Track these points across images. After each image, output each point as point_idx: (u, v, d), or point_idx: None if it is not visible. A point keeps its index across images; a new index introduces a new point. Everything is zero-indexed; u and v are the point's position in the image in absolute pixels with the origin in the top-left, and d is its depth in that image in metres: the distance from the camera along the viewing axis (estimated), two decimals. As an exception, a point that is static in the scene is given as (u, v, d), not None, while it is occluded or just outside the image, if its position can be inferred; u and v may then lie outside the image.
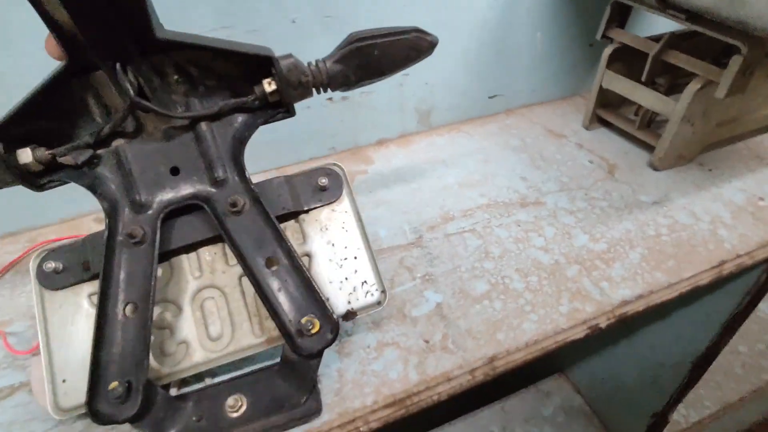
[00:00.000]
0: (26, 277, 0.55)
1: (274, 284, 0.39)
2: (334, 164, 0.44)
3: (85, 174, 0.37)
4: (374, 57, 0.39)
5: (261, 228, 0.39)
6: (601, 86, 0.71)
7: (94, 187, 0.37)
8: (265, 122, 0.40)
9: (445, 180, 0.67)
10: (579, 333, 0.47)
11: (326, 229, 0.44)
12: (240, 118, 0.39)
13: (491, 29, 0.71)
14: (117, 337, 0.36)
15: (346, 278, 0.43)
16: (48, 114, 0.36)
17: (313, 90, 0.39)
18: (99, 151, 0.38)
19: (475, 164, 0.70)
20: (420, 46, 0.40)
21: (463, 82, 0.76)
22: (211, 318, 0.42)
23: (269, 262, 0.39)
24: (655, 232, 0.57)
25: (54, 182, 0.37)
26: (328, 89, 0.40)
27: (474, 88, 0.77)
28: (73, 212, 0.64)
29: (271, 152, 0.69)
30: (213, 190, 0.39)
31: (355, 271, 0.43)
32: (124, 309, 0.36)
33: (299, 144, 0.71)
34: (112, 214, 0.38)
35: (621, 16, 0.67)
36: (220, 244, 0.43)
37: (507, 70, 0.77)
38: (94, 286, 0.40)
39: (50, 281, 0.39)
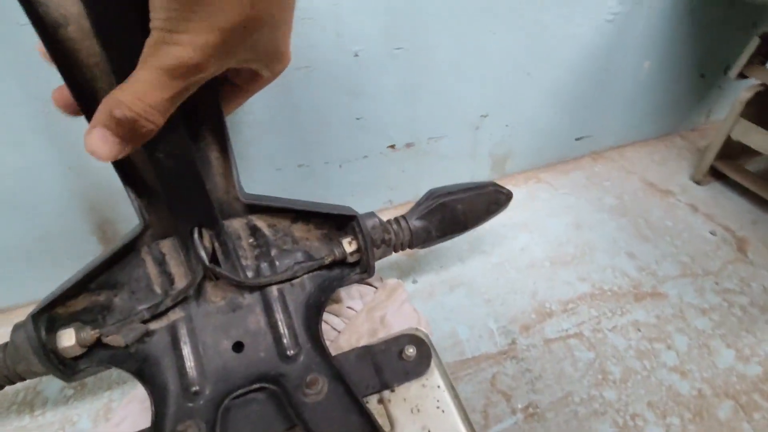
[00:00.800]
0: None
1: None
2: (417, 329, 0.37)
3: (131, 356, 0.33)
4: (458, 212, 0.40)
5: (347, 415, 0.31)
6: (729, 136, 0.57)
7: (141, 372, 0.32)
8: (341, 285, 0.37)
9: (532, 253, 0.54)
10: None
11: (418, 410, 0.34)
12: (314, 282, 0.37)
13: (594, 57, 0.57)
14: None
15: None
16: (108, 285, 0.34)
17: (393, 248, 0.39)
18: (153, 327, 0.34)
19: (565, 230, 0.57)
20: (499, 199, 0.42)
21: (550, 121, 0.62)
22: None
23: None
24: (820, 348, 0.44)
25: (90, 369, 0.33)
26: (407, 248, 0.40)
27: (561, 127, 0.64)
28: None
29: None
30: (284, 367, 0.33)
31: (462, 469, 0.32)
32: None
33: (350, 197, 0.58)
34: (159, 406, 0.31)
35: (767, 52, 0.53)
36: None
37: (603, 105, 0.63)
38: None
39: None
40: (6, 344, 0.32)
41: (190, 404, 0.32)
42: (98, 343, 0.33)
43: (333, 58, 0.46)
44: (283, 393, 0.32)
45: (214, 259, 0.35)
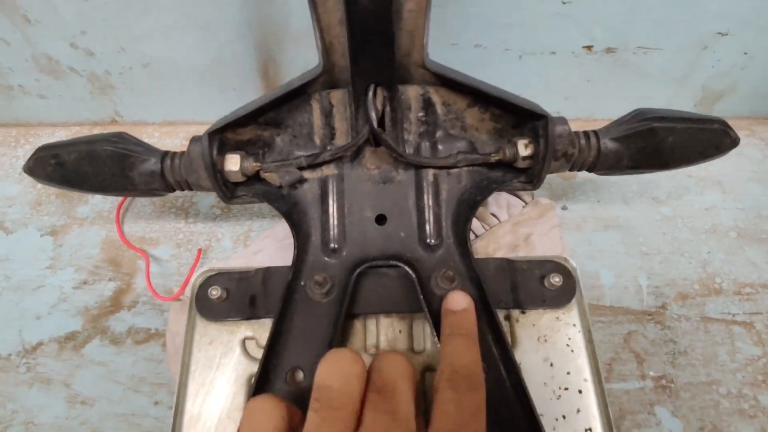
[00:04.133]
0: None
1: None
2: (566, 259, 0.34)
3: (283, 197, 0.34)
4: (666, 144, 0.33)
5: (477, 321, 0.28)
6: None
7: (290, 215, 0.33)
8: (501, 189, 0.34)
9: (717, 216, 0.45)
10: None
11: (545, 340, 0.32)
12: (472, 177, 0.35)
13: None
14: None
15: (564, 417, 0.29)
16: (274, 123, 0.34)
17: (571, 166, 0.34)
18: (306, 175, 0.34)
19: (771, 202, 0.46)
20: (722, 143, 0.34)
21: (805, 60, 0.47)
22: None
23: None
24: None
25: (247, 198, 0.35)
26: (586, 169, 0.35)
27: (816, 74, 0.48)
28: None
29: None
30: (421, 253, 0.32)
31: (578, 411, 0.29)
32: (286, 376, 0.28)
33: (522, 91, 0.51)
34: (301, 252, 0.32)
35: None
36: (407, 320, 0.33)
37: None
38: (252, 329, 0.32)
39: (208, 310, 0.32)
40: (183, 153, 0.34)
41: (327, 259, 0.32)
42: (257, 176, 0.34)
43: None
44: (417, 278, 0.31)
45: (380, 123, 0.32)
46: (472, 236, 0.40)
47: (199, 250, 0.42)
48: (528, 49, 0.46)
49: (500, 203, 0.42)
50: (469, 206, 0.34)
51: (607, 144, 0.33)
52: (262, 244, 0.42)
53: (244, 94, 0.51)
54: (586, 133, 0.34)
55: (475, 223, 0.41)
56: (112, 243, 0.44)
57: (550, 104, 0.52)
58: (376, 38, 0.28)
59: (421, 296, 0.30)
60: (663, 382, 0.36)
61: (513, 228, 0.40)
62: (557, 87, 0.50)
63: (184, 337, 0.33)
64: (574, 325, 0.33)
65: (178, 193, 0.37)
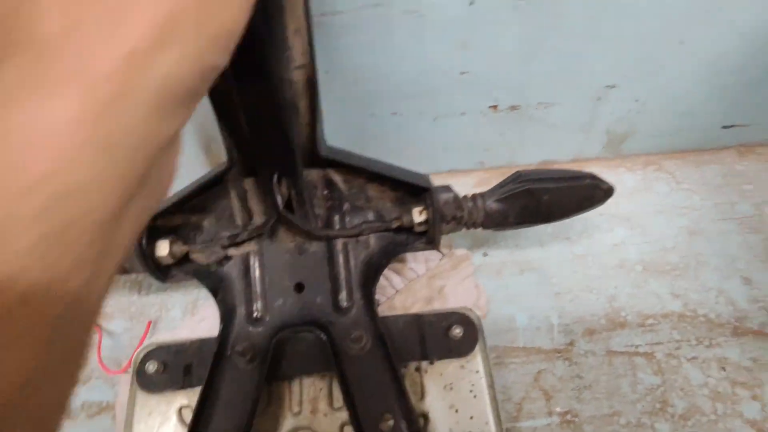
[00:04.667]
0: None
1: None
2: (470, 310, 0.37)
3: (211, 275, 0.37)
4: (543, 202, 0.37)
5: (381, 375, 0.34)
6: None
7: (216, 290, 0.37)
8: (405, 251, 0.39)
9: (625, 252, 0.49)
10: None
11: (451, 388, 0.34)
12: (378, 243, 0.37)
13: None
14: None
15: (468, 459, 0.33)
16: (199, 209, 0.37)
17: (464, 227, 0.38)
18: (231, 252, 0.37)
19: (675, 234, 0.50)
20: (594, 195, 0.38)
21: (695, 101, 0.52)
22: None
23: (383, 418, 0.31)
24: None
25: (180, 276, 0.38)
26: (480, 228, 0.38)
27: (707, 111, 0.53)
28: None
29: (405, 156, 0.56)
30: (335, 317, 0.36)
31: (480, 453, 0.33)
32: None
33: (441, 152, 0.56)
34: (226, 323, 0.36)
35: None
36: (327, 379, 0.37)
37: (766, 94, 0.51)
38: (188, 397, 0.36)
39: (147, 382, 0.37)
40: None
41: (251, 329, 0.36)
42: (186, 257, 0.38)
43: (445, 3, 0.41)
44: (329, 340, 0.35)
45: (289, 204, 0.37)
46: (391, 292, 0.44)
47: (149, 323, 0.46)
48: (440, 112, 0.51)
49: (418, 258, 0.46)
50: (375, 270, 0.38)
51: (492, 205, 0.38)
52: (206, 312, 0.46)
53: (190, 170, 0.55)
54: (473, 197, 0.38)
55: (396, 279, 0.45)
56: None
57: (472, 156, 0.57)
58: (275, 135, 0.32)
59: (333, 356, 0.34)
60: (568, 417, 0.39)
61: (429, 281, 0.44)
62: (474, 142, 0.55)
63: (126, 410, 0.37)
64: (477, 372, 0.36)
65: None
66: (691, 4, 0.42)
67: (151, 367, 0.37)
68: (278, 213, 0.36)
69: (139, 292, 0.50)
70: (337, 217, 0.39)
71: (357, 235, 0.38)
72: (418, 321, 0.37)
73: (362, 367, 0.34)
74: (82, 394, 0.43)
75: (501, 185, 0.39)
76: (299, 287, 0.38)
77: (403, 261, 0.45)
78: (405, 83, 0.48)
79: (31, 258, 0.09)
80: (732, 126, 0.55)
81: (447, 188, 0.37)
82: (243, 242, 0.39)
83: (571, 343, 0.43)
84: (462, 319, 0.38)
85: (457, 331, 0.37)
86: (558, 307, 0.45)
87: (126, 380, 0.42)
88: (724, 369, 0.41)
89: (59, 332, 0.10)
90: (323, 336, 0.35)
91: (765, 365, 0.41)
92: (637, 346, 0.42)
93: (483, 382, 0.36)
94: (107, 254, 0.11)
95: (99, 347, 0.45)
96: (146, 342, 0.42)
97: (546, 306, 0.45)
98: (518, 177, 0.38)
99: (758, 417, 0.38)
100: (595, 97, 0.50)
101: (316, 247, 0.38)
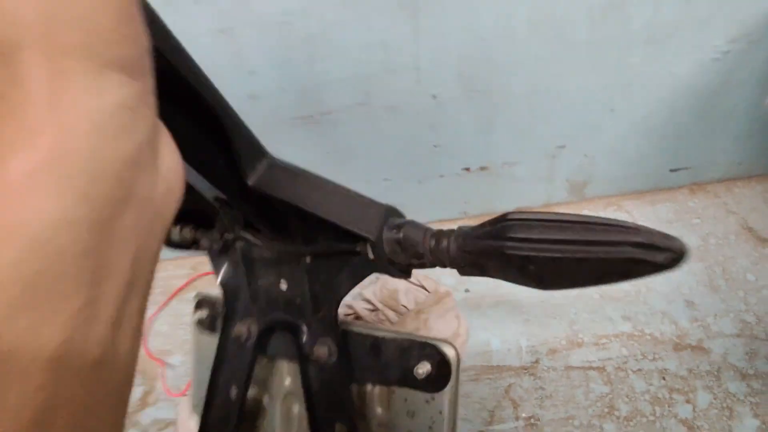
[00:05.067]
0: (188, 306, 0.67)
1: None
2: (450, 345, 0.33)
3: (218, 257, 0.38)
4: (530, 272, 0.23)
5: (335, 387, 0.35)
6: None
7: (217, 273, 0.39)
8: (379, 272, 0.38)
9: (585, 282, 0.58)
10: None
11: (412, 416, 0.38)
12: (344, 267, 0.38)
13: (697, 94, 0.55)
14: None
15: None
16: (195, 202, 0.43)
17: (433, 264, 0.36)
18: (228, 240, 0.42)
19: (629, 265, 0.59)
20: (643, 269, 0.19)
21: (638, 151, 0.62)
22: (293, 422, 0.45)
23: (339, 428, 0.37)
24: None
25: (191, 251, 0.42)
26: (457, 269, 0.34)
27: (652, 159, 0.63)
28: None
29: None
30: (305, 322, 0.35)
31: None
32: (228, 391, 0.41)
33: (428, 206, 0.68)
34: (228, 304, 0.36)
35: None
36: None
37: (707, 140, 0.60)
38: None
39: (201, 324, 0.43)
40: None
41: (248, 310, 0.44)
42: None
43: (413, 100, 0.54)
44: (296, 343, 0.40)
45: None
46: (389, 324, 0.55)
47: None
48: (422, 176, 0.63)
49: (409, 297, 0.57)
50: (338, 289, 0.42)
51: (460, 255, 0.45)
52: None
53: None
54: (438, 238, 0.40)
55: (391, 314, 0.56)
56: (139, 357, 0.61)
57: (455, 207, 0.69)
58: (204, 165, 0.36)
59: (298, 357, 0.41)
60: (532, 421, 0.48)
61: (416, 315, 0.55)
62: (455, 197, 0.66)
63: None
64: (441, 413, 0.31)
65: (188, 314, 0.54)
66: (611, 82, 0.54)
67: (202, 312, 0.44)
68: (235, 235, 0.33)
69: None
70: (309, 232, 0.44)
71: (321, 253, 0.44)
72: (383, 343, 0.39)
73: (319, 376, 0.34)
74: (152, 414, 0.56)
75: (482, 226, 0.20)
76: (282, 285, 0.44)
77: (395, 299, 0.56)
78: (391, 156, 0.61)
79: (15, 308, 0.08)
80: (678, 169, 0.64)
81: (397, 227, 0.27)
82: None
83: (537, 361, 0.52)
84: (437, 354, 0.36)
85: (426, 368, 0.35)
86: (526, 332, 0.55)
87: (184, 402, 0.54)
88: (664, 378, 0.49)
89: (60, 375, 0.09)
90: (295, 339, 0.41)
91: (699, 374, 0.48)
92: (591, 362, 0.51)
93: (443, 425, 0.31)
94: (104, 271, 0.10)
95: (164, 377, 0.57)
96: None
97: (516, 331, 0.55)
98: (504, 229, 0.21)
99: (690, 417, 0.46)
100: (550, 155, 0.61)
101: (293, 258, 0.42)
